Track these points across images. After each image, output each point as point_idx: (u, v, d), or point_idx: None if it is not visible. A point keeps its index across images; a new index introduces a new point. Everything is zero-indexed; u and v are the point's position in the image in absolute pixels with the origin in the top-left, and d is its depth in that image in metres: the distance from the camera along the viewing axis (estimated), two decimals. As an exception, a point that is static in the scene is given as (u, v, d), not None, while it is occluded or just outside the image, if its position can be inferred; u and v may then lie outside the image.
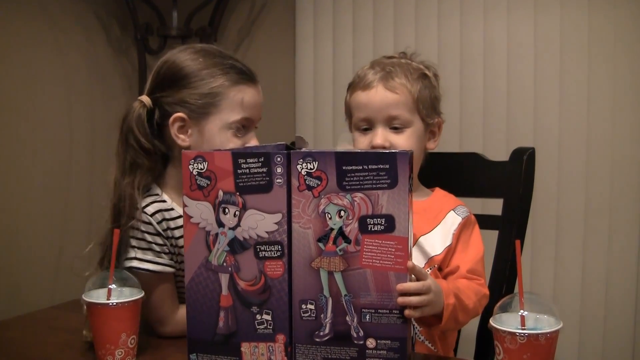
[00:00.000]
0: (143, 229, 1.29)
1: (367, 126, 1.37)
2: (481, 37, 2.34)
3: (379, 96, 1.34)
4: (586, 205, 2.22)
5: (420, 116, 1.36)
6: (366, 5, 2.54)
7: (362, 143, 1.36)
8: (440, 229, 1.35)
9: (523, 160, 1.44)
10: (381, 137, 1.33)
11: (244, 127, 1.35)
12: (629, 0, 2.13)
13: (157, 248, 1.30)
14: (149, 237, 1.29)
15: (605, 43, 2.17)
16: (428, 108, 1.37)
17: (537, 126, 2.28)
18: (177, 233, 1.31)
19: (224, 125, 1.33)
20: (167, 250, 1.31)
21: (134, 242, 1.29)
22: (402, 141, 1.34)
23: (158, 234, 1.30)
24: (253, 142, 1.36)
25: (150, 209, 1.30)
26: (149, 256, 1.29)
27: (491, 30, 2.33)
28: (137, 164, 1.33)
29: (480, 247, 1.36)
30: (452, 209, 1.38)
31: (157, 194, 1.34)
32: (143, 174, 1.33)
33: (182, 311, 1.28)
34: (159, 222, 1.30)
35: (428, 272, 1.29)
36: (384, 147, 1.33)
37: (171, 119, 1.33)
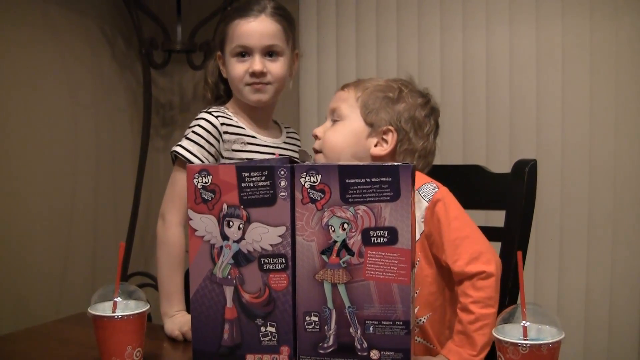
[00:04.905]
0: (202, 124, 1.52)
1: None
2: (483, 49, 2.36)
3: (336, 94, 1.48)
4: (589, 215, 2.22)
5: (360, 114, 1.40)
6: (369, 20, 2.56)
7: None
8: None
9: (525, 173, 1.45)
10: (321, 127, 1.45)
11: (244, 53, 1.56)
12: (631, 11, 2.14)
13: (205, 145, 1.51)
14: (203, 133, 1.51)
15: (607, 54, 2.18)
16: (373, 110, 1.40)
17: (540, 137, 2.28)
18: (232, 138, 1.54)
19: (229, 54, 1.58)
20: (213, 153, 1.51)
21: (189, 134, 1.52)
22: (331, 133, 1.43)
23: (212, 133, 1.52)
24: (255, 64, 1.54)
25: (214, 112, 1.55)
26: (194, 148, 1.50)
27: (493, 43, 2.34)
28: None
29: (465, 228, 1.29)
30: (417, 190, 1.31)
31: (224, 110, 1.59)
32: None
33: (179, 240, 1.48)
34: (221, 124, 1.53)
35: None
36: (316, 135, 1.44)
37: (217, 57, 1.65)
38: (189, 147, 1.50)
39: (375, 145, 1.40)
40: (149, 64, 2.72)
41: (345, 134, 1.41)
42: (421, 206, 1.31)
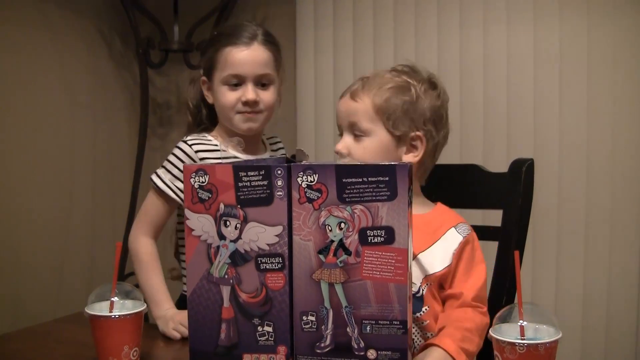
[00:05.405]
0: (176, 153, 1.56)
1: (339, 133, 1.42)
2: (481, 48, 2.36)
3: (344, 105, 1.41)
4: (586, 215, 2.23)
5: (384, 127, 1.35)
6: (366, 18, 2.56)
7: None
8: (440, 246, 1.34)
9: (522, 172, 1.45)
10: (342, 143, 1.38)
11: (237, 83, 1.57)
12: (628, 11, 2.14)
13: (177, 174, 1.54)
14: (176, 162, 1.55)
15: (604, 54, 2.18)
16: (397, 119, 1.34)
17: (537, 137, 2.28)
18: (212, 162, 1.54)
19: (220, 81, 1.58)
20: None
21: (165, 162, 1.57)
22: (359, 150, 1.36)
23: (185, 163, 1.53)
24: (248, 93, 1.55)
25: (190, 141, 1.57)
26: (167, 177, 1.55)
27: (491, 42, 2.34)
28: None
29: (483, 270, 1.35)
30: (454, 226, 1.36)
31: (204, 135, 1.61)
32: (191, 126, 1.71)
33: (146, 248, 1.53)
34: (196, 152, 1.55)
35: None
36: (341, 154, 1.37)
37: (200, 81, 1.65)
38: (162, 176, 1.56)
39: (407, 153, 1.37)
40: (146, 63, 2.71)
41: (374, 150, 1.35)
42: (455, 240, 1.34)
